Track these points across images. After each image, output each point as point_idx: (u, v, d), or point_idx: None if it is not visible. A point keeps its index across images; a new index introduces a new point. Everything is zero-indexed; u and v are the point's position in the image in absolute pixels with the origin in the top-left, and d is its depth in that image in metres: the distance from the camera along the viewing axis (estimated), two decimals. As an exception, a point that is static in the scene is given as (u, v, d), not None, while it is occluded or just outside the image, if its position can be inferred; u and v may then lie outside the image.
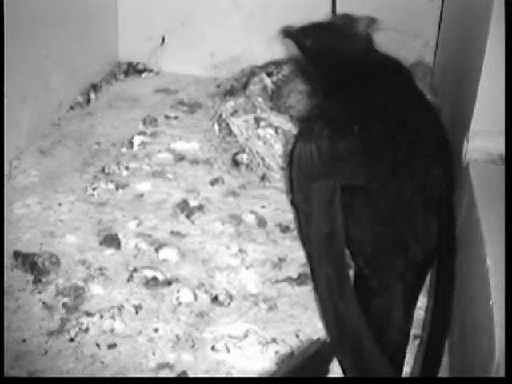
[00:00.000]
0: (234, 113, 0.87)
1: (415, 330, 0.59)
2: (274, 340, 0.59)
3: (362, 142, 0.63)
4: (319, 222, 0.61)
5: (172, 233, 0.72)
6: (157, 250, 0.69)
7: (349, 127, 0.64)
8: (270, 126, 0.84)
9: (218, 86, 1.04)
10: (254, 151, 0.83)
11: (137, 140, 0.89)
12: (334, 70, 0.72)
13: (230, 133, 0.87)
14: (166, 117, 0.96)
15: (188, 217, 0.75)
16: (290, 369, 0.55)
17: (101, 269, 0.66)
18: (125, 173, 0.82)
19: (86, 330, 0.59)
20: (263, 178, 0.82)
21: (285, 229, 0.74)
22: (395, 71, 0.73)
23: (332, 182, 0.62)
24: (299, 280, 0.66)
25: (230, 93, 0.93)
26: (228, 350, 0.58)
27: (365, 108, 0.66)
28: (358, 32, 0.76)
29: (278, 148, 0.83)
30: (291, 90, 0.89)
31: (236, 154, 0.85)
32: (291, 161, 0.68)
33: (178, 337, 0.59)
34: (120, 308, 0.62)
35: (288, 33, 0.78)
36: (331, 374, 0.56)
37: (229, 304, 0.63)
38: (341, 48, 0.73)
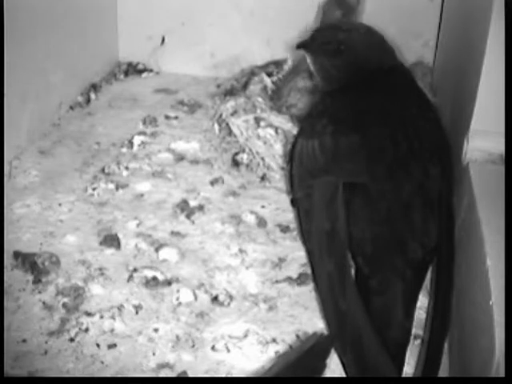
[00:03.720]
0: (234, 113, 0.87)
1: (416, 329, 0.59)
2: (274, 340, 0.59)
3: (364, 140, 0.63)
4: (320, 219, 0.61)
5: (172, 233, 0.72)
6: (157, 250, 0.69)
7: (352, 125, 0.64)
8: (270, 125, 0.84)
9: (218, 86, 1.04)
10: (254, 151, 0.83)
11: (137, 140, 0.89)
12: (358, 71, 0.71)
13: (230, 133, 0.87)
14: (166, 117, 0.96)
15: (188, 217, 0.75)
16: (286, 364, 0.54)
17: (101, 269, 0.66)
18: (125, 173, 0.82)
19: (86, 329, 0.59)
20: (263, 177, 0.82)
21: (285, 229, 0.74)
22: (397, 70, 0.72)
23: (333, 178, 0.62)
24: (299, 280, 0.66)
25: (230, 93, 0.93)
26: (228, 350, 0.58)
27: (367, 107, 0.66)
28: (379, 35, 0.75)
29: (278, 148, 0.83)
30: (291, 88, 0.89)
31: (236, 153, 0.85)
32: (292, 157, 0.68)
33: (177, 337, 0.59)
34: (120, 308, 0.62)
35: (305, 43, 0.76)
36: (330, 372, 0.56)
37: (229, 304, 0.63)
38: (367, 49, 0.72)
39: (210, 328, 0.61)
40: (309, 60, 0.74)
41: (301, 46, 0.75)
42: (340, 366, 0.56)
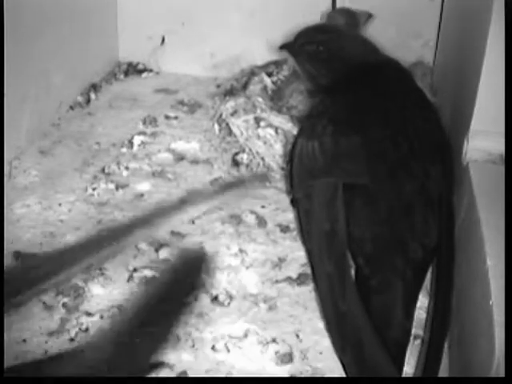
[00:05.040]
0: (234, 113, 0.87)
1: (416, 329, 0.59)
2: (273, 340, 0.59)
3: (364, 141, 0.63)
4: (320, 220, 0.61)
5: (172, 233, 0.72)
6: (157, 250, 0.69)
7: (352, 126, 0.64)
8: (270, 126, 0.84)
9: (218, 86, 1.04)
10: (254, 151, 0.83)
11: (137, 140, 0.89)
12: (342, 72, 0.72)
13: (230, 133, 0.87)
14: (166, 117, 0.96)
15: (188, 217, 0.75)
16: (159, 288, 0.52)
17: (101, 269, 0.66)
18: (125, 173, 0.82)
19: (86, 329, 0.59)
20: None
21: (285, 229, 0.74)
22: (396, 71, 0.73)
23: (333, 179, 0.62)
24: (299, 280, 0.66)
25: (230, 93, 0.92)
26: (228, 350, 0.58)
27: (367, 107, 0.66)
28: (358, 32, 0.76)
29: (278, 148, 0.83)
30: (293, 90, 0.89)
31: (236, 153, 0.85)
32: (292, 157, 0.68)
33: (177, 337, 0.59)
34: (120, 308, 0.62)
35: (287, 45, 0.77)
36: (330, 372, 0.56)
37: (229, 304, 0.63)
38: (347, 49, 0.73)
39: (210, 328, 0.61)
40: (293, 61, 0.76)
41: (283, 47, 0.76)
42: (340, 366, 0.56)
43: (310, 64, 0.74)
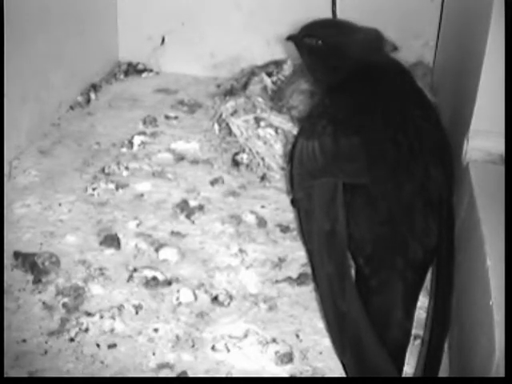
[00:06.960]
0: (234, 113, 0.87)
1: (416, 330, 0.59)
2: (274, 340, 0.59)
3: (364, 141, 0.63)
4: (320, 220, 0.61)
5: (172, 233, 0.72)
6: (157, 250, 0.69)
7: (352, 126, 0.64)
8: (270, 125, 0.84)
9: (218, 86, 1.04)
10: (254, 151, 0.83)
11: (137, 140, 0.89)
12: (340, 69, 0.72)
13: (230, 133, 0.87)
14: (166, 117, 0.96)
15: (188, 217, 0.75)
16: None
17: (101, 269, 0.66)
18: (125, 173, 0.82)
19: (86, 329, 0.59)
20: (263, 177, 0.82)
21: (285, 229, 0.74)
22: (397, 71, 0.73)
23: (333, 179, 0.62)
24: (299, 280, 0.66)
25: (230, 93, 0.93)
26: (228, 350, 0.58)
27: (367, 108, 0.66)
28: (364, 29, 0.75)
29: (278, 148, 0.83)
30: (294, 90, 0.89)
31: (236, 154, 0.85)
32: (292, 157, 0.68)
33: (177, 337, 0.59)
34: (120, 308, 0.62)
35: (292, 36, 0.77)
36: (331, 373, 0.56)
37: (229, 304, 0.63)
38: (346, 46, 0.73)
39: (210, 328, 0.61)
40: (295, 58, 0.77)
41: (289, 38, 0.77)
42: (340, 366, 0.56)
43: (309, 57, 0.75)
